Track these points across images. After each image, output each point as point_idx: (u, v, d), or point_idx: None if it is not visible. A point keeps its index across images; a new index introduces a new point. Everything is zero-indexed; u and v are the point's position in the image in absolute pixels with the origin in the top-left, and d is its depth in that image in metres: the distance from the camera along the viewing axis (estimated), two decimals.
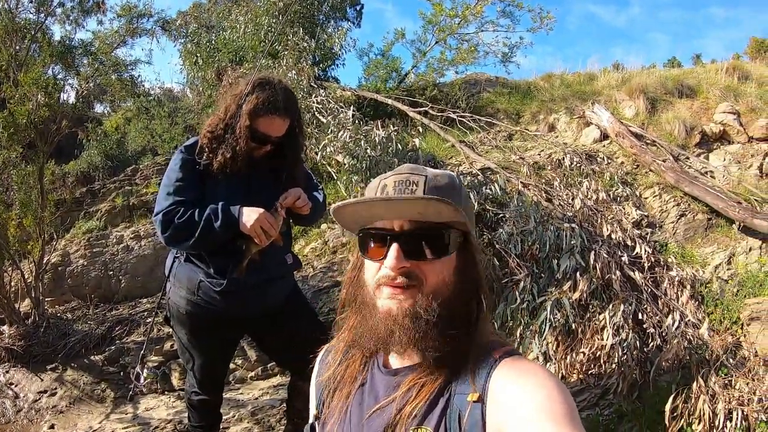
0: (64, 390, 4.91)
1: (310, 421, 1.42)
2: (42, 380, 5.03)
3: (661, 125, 7.62)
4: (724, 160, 7.21)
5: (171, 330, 3.19)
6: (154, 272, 6.43)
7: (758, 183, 6.76)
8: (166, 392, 4.84)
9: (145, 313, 5.89)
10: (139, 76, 10.70)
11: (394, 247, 1.16)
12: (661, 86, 8.36)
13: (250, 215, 2.55)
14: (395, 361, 1.27)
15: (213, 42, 9.39)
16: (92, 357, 5.24)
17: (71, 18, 8.36)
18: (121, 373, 5.03)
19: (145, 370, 3.24)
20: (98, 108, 11.88)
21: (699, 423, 3.84)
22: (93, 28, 10.83)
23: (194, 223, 2.54)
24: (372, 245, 1.22)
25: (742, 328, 4.87)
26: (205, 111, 8.83)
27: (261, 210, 2.57)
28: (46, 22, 7.82)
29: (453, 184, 1.22)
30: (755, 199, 6.21)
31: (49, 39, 7.33)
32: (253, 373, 4.89)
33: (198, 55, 9.27)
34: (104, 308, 6.15)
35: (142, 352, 3.30)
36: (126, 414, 4.58)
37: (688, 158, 7.11)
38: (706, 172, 6.91)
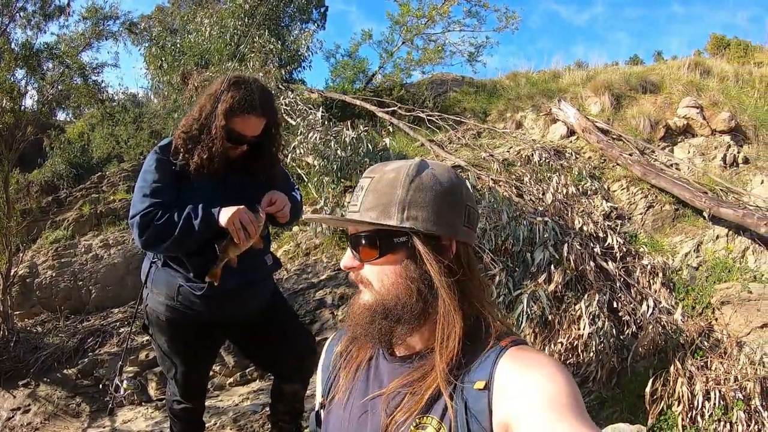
0: (38, 406, 4.76)
1: (316, 408, 1.41)
2: (15, 397, 4.86)
3: (626, 120, 7.78)
4: (689, 152, 7.39)
5: (149, 338, 3.08)
6: (125, 281, 6.31)
7: (722, 173, 6.95)
8: (143, 403, 4.71)
9: (118, 323, 5.76)
10: (102, 81, 10.50)
11: (348, 248, 1.23)
12: (626, 83, 8.54)
13: (229, 209, 2.46)
14: (401, 349, 1.26)
15: (178, 45, 9.27)
16: (65, 370, 5.08)
17: (32, 23, 8.13)
18: (100, 386, 4.87)
19: (125, 381, 3.12)
20: (60, 115, 11.60)
21: (679, 404, 3.93)
22: (56, 32, 10.48)
23: (173, 224, 2.45)
24: None
25: (713, 312, 5.00)
26: (171, 116, 8.72)
27: (241, 206, 2.49)
28: (8, 27, 7.63)
29: (395, 183, 1.20)
30: (720, 189, 6.38)
31: (11, 43, 7.13)
32: (231, 379, 4.82)
33: (163, 59, 9.14)
34: (75, 320, 5.99)
35: (120, 362, 3.16)
36: (103, 428, 4.46)
37: (653, 152, 7.26)
38: (672, 165, 7.07)
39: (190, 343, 2.82)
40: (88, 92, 8.87)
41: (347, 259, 1.23)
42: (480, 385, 1.08)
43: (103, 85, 10.10)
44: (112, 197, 7.61)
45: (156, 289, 2.72)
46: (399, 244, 1.19)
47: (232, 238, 2.47)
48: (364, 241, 1.19)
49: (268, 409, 3.88)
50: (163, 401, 4.55)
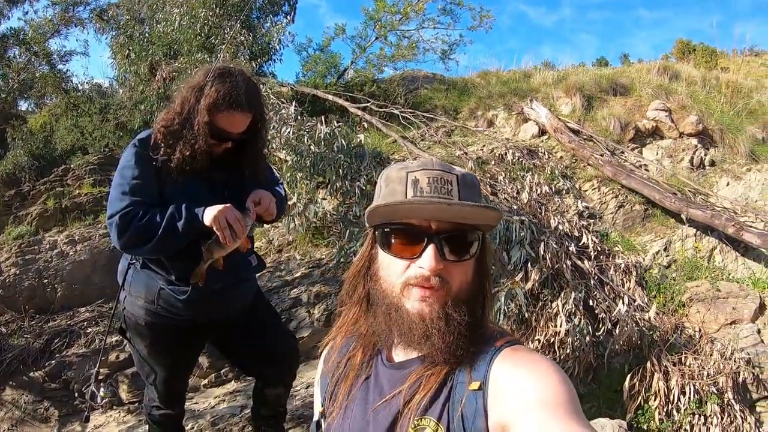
0: (5, 411, 4.54)
1: (315, 418, 1.38)
2: None
3: (597, 121, 7.88)
4: (657, 154, 7.54)
5: (125, 341, 2.92)
6: (92, 279, 6.09)
7: (690, 175, 7.10)
8: (114, 407, 4.52)
9: (85, 323, 5.52)
10: (68, 70, 10.15)
11: (431, 247, 1.12)
12: (596, 84, 8.66)
13: (214, 208, 2.31)
14: (399, 355, 1.24)
15: (146, 35, 9.00)
16: (32, 373, 4.83)
17: None
18: (72, 391, 4.70)
19: (102, 388, 2.99)
20: (23, 105, 11.22)
21: (655, 399, 4.03)
22: (20, 17, 10.07)
23: (155, 225, 2.30)
24: (400, 242, 1.17)
25: (683, 308, 5.10)
26: (137, 107, 8.46)
27: (227, 204, 2.35)
28: None
29: (477, 184, 1.21)
30: (689, 191, 6.52)
31: None
32: (206, 381, 4.67)
33: (130, 48, 8.83)
34: (41, 320, 5.70)
35: (95, 368, 3.04)
36: None
37: (623, 153, 7.38)
38: (641, 166, 7.20)
39: (171, 349, 2.69)
40: (54, 81, 8.57)
41: (434, 260, 1.11)
42: (475, 385, 1.08)
43: (68, 74, 9.84)
44: (77, 191, 7.31)
45: (134, 292, 2.58)
46: (482, 243, 1.19)
47: (218, 238, 2.33)
48: (462, 237, 1.15)
49: (247, 411, 3.79)
50: (136, 404, 4.43)
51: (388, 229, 1.18)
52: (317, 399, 1.42)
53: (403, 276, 1.15)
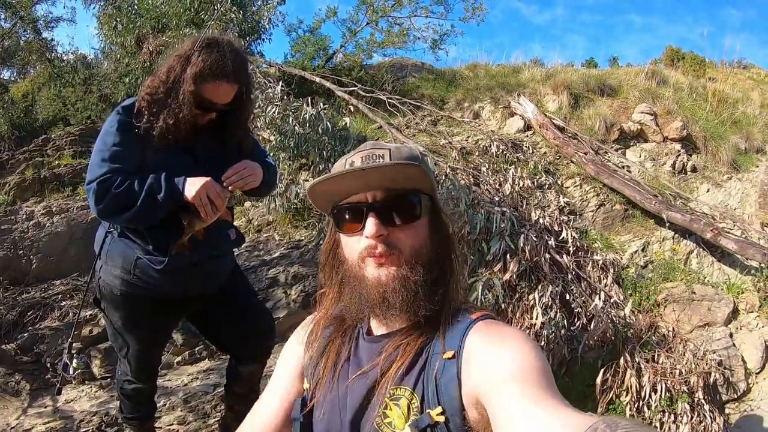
0: None
1: (303, 395, 1.40)
2: None
3: (582, 120, 7.92)
4: (641, 156, 7.60)
5: (100, 313, 2.86)
6: (68, 251, 5.96)
7: (671, 179, 7.17)
8: (86, 381, 4.40)
9: (59, 296, 5.40)
10: (53, 39, 9.94)
11: (371, 216, 1.18)
12: (584, 84, 8.69)
13: (195, 183, 2.29)
14: (379, 329, 1.28)
15: (135, 7, 8.85)
16: (3, 346, 4.70)
17: None
18: (45, 364, 4.60)
19: (75, 360, 2.92)
20: (5, 73, 10.97)
21: (627, 395, 4.06)
22: None
23: (134, 194, 2.25)
24: (348, 220, 1.25)
25: (658, 308, 5.15)
26: (122, 80, 8.35)
27: (207, 178, 2.32)
28: None
29: (415, 154, 1.25)
30: (669, 194, 6.58)
31: None
32: (179, 358, 4.58)
33: (118, 19, 8.67)
34: (14, 291, 5.56)
35: (69, 340, 2.97)
36: (45, 408, 4.13)
37: (607, 152, 7.42)
38: (624, 167, 7.24)
39: (146, 321, 2.64)
40: (38, 48, 8.38)
41: (374, 227, 1.17)
42: (449, 354, 1.12)
43: (53, 43, 9.65)
44: (57, 162, 7.17)
45: (111, 261, 2.53)
46: (432, 206, 1.24)
47: (198, 212, 2.33)
48: (402, 202, 1.20)
49: (220, 390, 3.74)
50: (108, 379, 4.35)
51: (336, 211, 1.27)
52: (280, 370, 1.48)
53: (358, 250, 1.22)
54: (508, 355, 1.03)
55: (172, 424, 3.82)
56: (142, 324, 2.65)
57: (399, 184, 1.19)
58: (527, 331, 4.33)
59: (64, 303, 5.25)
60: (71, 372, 2.87)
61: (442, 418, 1.07)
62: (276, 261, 5.47)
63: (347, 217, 1.24)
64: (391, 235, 1.18)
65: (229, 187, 2.41)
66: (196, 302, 2.73)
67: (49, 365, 4.54)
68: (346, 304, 1.28)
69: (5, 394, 4.35)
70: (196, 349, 4.63)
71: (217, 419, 3.72)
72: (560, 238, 5.30)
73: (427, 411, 1.09)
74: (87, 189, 2.32)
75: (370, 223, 1.17)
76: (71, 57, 10.27)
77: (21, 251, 5.83)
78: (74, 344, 4.56)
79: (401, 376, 1.15)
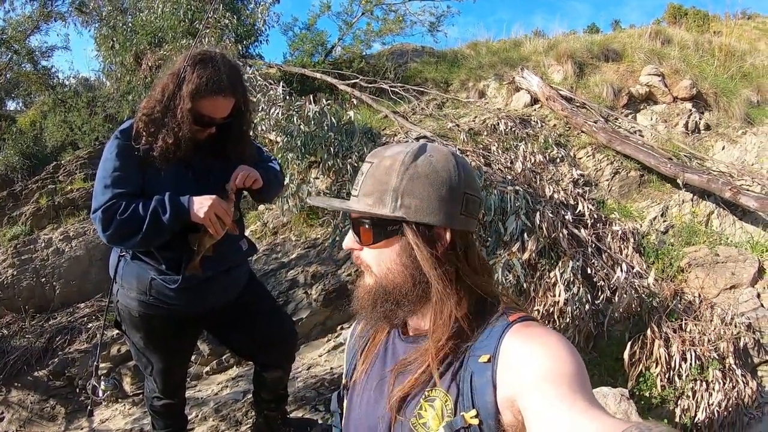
0: (12, 413, 4.49)
1: (340, 389, 1.47)
2: None
3: (589, 88, 7.80)
4: (651, 119, 7.48)
5: (122, 334, 2.89)
6: (89, 273, 6.04)
7: (685, 140, 7.05)
8: (119, 400, 4.48)
9: (85, 318, 5.49)
10: (52, 66, 10.01)
11: (351, 230, 1.27)
12: (588, 51, 8.54)
13: (202, 203, 2.29)
14: (413, 329, 1.30)
15: (130, 24, 8.86)
16: (36, 373, 4.81)
17: None
18: (77, 387, 4.64)
19: (102, 382, 2.94)
20: (10, 105, 11.05)
21: (656, 366, 4.01)
22: (1, 16, 9.84)
23: (139, 218, 2.26)
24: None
25: (682, 274, 5.08)
26: (125, 98, 8.39)
27: (213, 196, 2.33)
28: None
29: (391, 170, 1.19)
30: (684, 155, 6.47)
31: None
32: (208, 368, 4.63)
33: (114, 39, 8.71)
34: (41, 318, 5.67)
35: (95, 363, 2.96)
36: (81, 430, 4.23)
37: (617, 119, 7.32)
38: (636, 132, 7.14)
39: (167, 339, 2.68)
40: (38, 78, 8.44)
41: (348, 240, 1.28)
42: (485, 358, 1.11)
43: (53, 70, 9.71)
44: (69, 187, 7.23)
45: (126, 284, 2.56)
46: (392, 231, 1.21)
47: (207, 230, 2.35)
48: (362, 226, 1.23)
49: (250, 396, 3.77)
50: (140, 396, 4.39)
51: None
52: (344, 371, 1.51)
53: None
54: (543, 358, 1.03)
55: None
56: (162, 342, 2.69)
57: (360, 214, 1.23)
58: (551, 309, 4.30)
59: (90, 325, 5.35)
60: (101, 394, 2.90)
61: (476, 421, 1.07)
62: (294, 262, 5.48)
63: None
64: (363, 250, 1.25)
65: (231, 195, 2.43)
66: (213, 315, 2.76)
67: (80, 388, 4.61)
68: None
69: (42, 420, 4.44)
70: (224, 357, 4.68)
71: (249, 426, 3.76)
72: (577, 211, 5.24)
73: (461, 413, 1.09)
74: (93, 218, 2.33)
75: (347, 237, 1.28)
76: (73, 81, 10.36)
77: (43, 278, 5.93)
78: (103, 364, 4.67)
79: (436, 378, 1.15)
